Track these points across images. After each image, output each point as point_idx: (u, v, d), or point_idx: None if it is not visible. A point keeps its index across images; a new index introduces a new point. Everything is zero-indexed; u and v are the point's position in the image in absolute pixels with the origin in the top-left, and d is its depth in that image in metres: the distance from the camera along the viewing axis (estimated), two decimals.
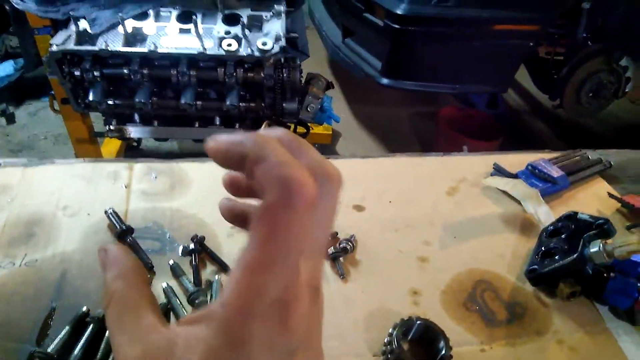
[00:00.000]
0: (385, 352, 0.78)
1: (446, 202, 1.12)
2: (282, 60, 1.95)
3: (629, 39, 3.10)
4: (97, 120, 2.56)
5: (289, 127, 2.41)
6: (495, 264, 0.98)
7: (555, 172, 1.16)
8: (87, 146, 2.55)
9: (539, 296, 0.93)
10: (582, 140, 3.60)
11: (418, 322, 0.79)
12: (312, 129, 2.53)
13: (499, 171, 1.19)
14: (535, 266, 0.93)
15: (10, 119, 3.33)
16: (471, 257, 0.98)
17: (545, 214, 1.07)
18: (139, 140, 3.16)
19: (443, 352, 0.75)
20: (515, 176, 1.18)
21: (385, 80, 2.96)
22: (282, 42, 1.87)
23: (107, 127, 2.18)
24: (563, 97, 3.28)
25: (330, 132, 3.31)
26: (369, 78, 3.04)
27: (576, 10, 2.92)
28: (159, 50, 1.86)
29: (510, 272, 0.96)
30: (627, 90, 3.28)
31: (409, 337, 0.80)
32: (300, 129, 2.50)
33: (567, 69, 3.16)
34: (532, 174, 1.17)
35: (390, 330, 0.78)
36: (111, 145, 2.92)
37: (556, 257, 0.92)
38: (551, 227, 1.00)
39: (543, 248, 0.96)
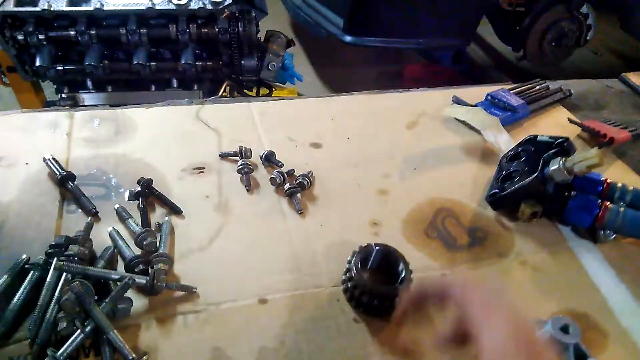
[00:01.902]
0: (344, 280, 0.75)
1: (406, 135, 1.09)
2: (237, 13, 1.87)
3: None
4: (50, 92, 2.43)
5: (250, 88, 2.34)
6: (455, 192, 0.95)
7: (515, 101, 1.14)
8: None
9: (501, 220, 0.91)
10: None
11: (377, 248, 0.76)
12: (275, 89, 2.46)
13: (458, 103, 1.17)
14: (496, 190, 0.92)
15: None
16: (432, 187, 0.96)
17: (505, 142, 1.05)
18: None
19: (403, 274, 0.73)
20: (474, 107, 1.15)
21: (348, 38, 2.90)
22: None
23: (59, 96, 2.08)
24: (526, 48, 3.29)
25: (296, 96, 3.25)
26: (331, 37, 2.97)
27: None
28: (106, 7, 1.76)
29: (471, 199, 0.94)
30: (588, 37, 3.30)
31: (369, 265, 0.77)
32: (263, 90, 2.43)
33: (529, 18, 3.15)
34: (492, 104, 1.15)
35: (348, 258, 0.76)
36: None
37: (516, 180, 0.90)
38: (511, 152, 0.98)
39: (504, 172, 0.94)
